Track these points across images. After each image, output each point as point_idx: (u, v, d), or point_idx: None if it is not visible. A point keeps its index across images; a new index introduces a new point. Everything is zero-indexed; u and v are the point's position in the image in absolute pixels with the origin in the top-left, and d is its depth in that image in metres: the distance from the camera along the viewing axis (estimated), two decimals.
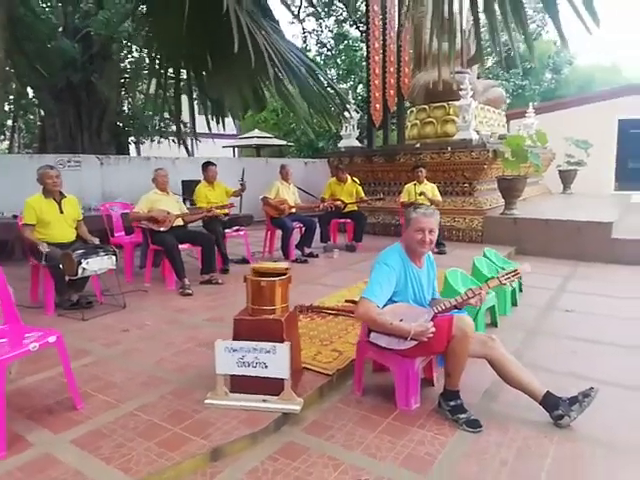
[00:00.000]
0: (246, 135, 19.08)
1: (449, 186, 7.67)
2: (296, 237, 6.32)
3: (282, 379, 2.38)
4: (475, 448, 2.20)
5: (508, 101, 22.46)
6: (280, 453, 2.16)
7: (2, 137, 20.01)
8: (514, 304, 4.37)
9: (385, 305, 2.44)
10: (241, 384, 2.47)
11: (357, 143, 9.04)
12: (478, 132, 7.80)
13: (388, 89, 8.52)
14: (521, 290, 4.78)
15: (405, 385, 2.53)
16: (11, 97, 12.32)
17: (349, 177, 7.01)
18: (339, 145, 9.07)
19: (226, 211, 5.81)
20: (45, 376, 2.75)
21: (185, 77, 5.16)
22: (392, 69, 8.56)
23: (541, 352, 3.34)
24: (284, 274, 2.58)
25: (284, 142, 18.09)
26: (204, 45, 5.15)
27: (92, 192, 7.40)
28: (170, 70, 5.01)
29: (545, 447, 2.19)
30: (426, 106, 9.22)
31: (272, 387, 2.42)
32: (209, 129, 4.75)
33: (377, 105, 8.37)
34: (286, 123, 20.04)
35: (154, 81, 4.76)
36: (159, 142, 16.07)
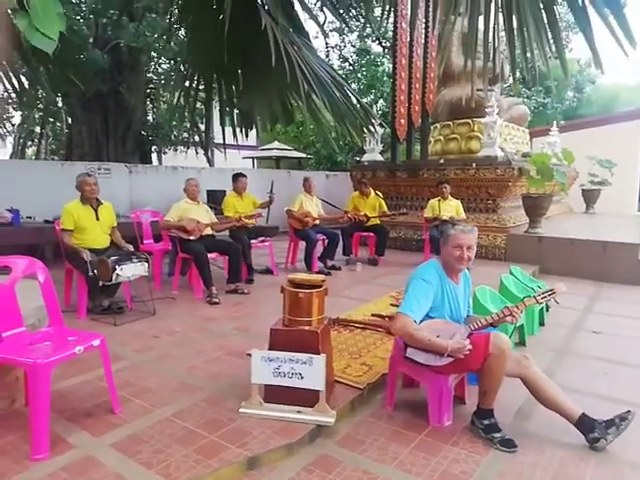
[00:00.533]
0: (266, 147, 19.32)
1: (472, 202, 7.66)
2: (319, 249, 6.36)
3: (317, 391, 2.41)
4: (510, 468, 2.18)
5: (530, 119, 22.48)
6: (315, 465, 2.17)
7: (30, 143, 20.55)
8: (541, 324, 4.34)
9: (422, 321, 2.45)
10: (275, 394, 2.49)
11: (380, 157, 9.09)
12: (503, 149, 7.80)
13: (413, 105, 8.57)
14: (548, 310, 4.73)
15: (438, 402, 2.53)
16: (40, 105, 12.67)
17: (372, 191, 7.05)
18: (363, 159, 9.13)
19: (253, 221, 5.89)
20: (83, 379, 2.81)
21: (216, 89, 5.31)
22: (417, 85, 8.62)
23: (570, 373, 3.30)
24: (320, 286, 2.61)
25: (304, 155, 18.24)
26: (237, 58, 5.28)
27: (121, 200, 7.56)
28: (198, 81, 5.15)
29: (582, 470, 2.17)
30: (450, 122, 9.26)
31: (306, 398, 2.44)
32: (236, 140, 4.86)
33: (402, 120, 8.42)
34: (306, 136, 20.22)
35: (180, 92, 4.89)
36: (181, 152, 16.38)
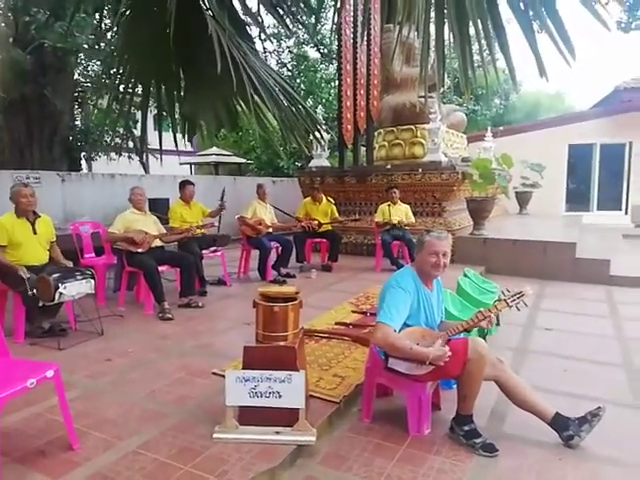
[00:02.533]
0: (204, 152, 18.83)
1: (419, 207, 7.83)
2: (272, 257, 6.22)
3: (296, 409, 2.30)
4: (495, 474, 2.19)
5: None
6: None
7: None
8: (497, 323, 4.46)
9: (400, 330, 2.41)
10: (251, 416, 2.36)
11: (327, 163, 9.10)
12: (446, 155, 8.04)
13: (359, 111, 8.65)
14: None
15: (417, 410, 2.50)
16: None
17: (324, 197, 7.02)
18: (310, 165, 9.09)
19: (204, 231, 5.65)
20: (31, 413, 2.52)
21: (153, 93, 5.07)
22: (362, 91, 8.71)
23: (531, 371, 3.39)
24: (294, 298, 2.51)
25: (244, 160, 17.97)
26: (178, 62, 5.06)
27: (54, 211, 6.96)
28: (134, 85, 4.89)
29: (563, 470, 2.21)
30: (394, 128, 9.43)
31: (284, 417, 2.32)
32: (176, 146, 4.66)
33: (348, 126, 8.47)
34: (246, 141, 19.94)
35: (112, 96, 4.62)
36: (112, 159, 15.57)
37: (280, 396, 2.29)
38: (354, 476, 2.16)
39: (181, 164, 19.41)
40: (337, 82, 8.53)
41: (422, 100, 8.98)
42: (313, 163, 9.00)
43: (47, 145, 11.48)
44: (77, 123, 14.29)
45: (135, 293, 4.91)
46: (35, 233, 3.89)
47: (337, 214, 7.01)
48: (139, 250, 4.52)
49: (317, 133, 5.38)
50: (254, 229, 5.98)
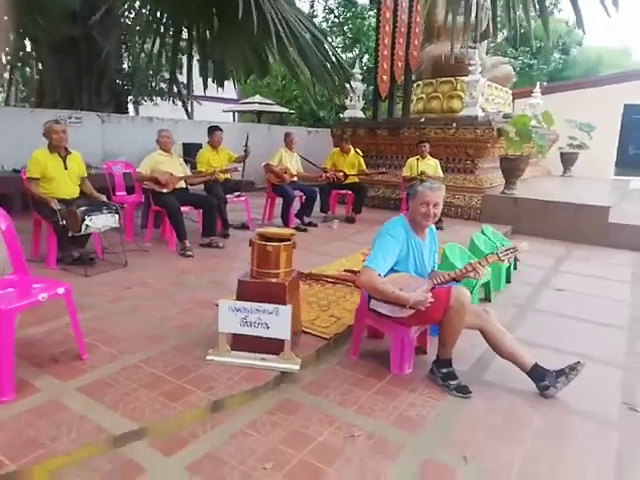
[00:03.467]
0: (247, 100, 18.79)
1: (451, 162, 7.67)
2: (296, 206, 6.34)
3: (283, 340, 2.47)
4: (463, 412, 2.30)
5: (515, 79, 22.25)
6: (278, 408, 2.26)
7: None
8: (508, 281, 4.46)
9: (387, 274, 2.50)
10: (242, 343, 2.55)
11: (361, 114, 8.96)
12: (484, 109, 7.75)
13: (396, 61, 8.38)
14: (515, 268, 4.87)
15: (400, 351, 2.62)
16: (7, 48, 12.00)
17: (352, 148, 6.98)
18: (343, 115, 8.99)
19: (228, 176, 5.81)
20: (50, 327, 2.81)
21: (187, 37, 5.10)
22: (401, 40, 8.40)
23: (530, 327, 3.44)
24: (289, 239, 2.63)
25: (286, 110, 17.83)
26: (210, 6, 5.07)
27: (92, 150, 7.34)
28: (174, 29, 4.91)
29: (531, 415, 2.30)
30: (433, 80, 9.12)
31: (272, 347, 2.50)
32: (217, 91, 4.71)
33: (384, 76, 8.25)
34: (289, 90, 19.72)
35: (156, 39, 4.70)
36: (156, 104, 15.85)
37: (268, 327, 2.46)
38: (330, 402, 2.33)
39: (224, 111, 19.51)
40: (375, 30, 8.23)
41: (463, 51, 8.57)
42: (346, 114, 8.89)
43: (95, 88, 11.77)
44: (124, 67, 14.55)
45: (161, 231, 5.18)
46: (66, 168, 4.14)
47: (364, 166, 6.98)
48: (164, 190, 4.74)
49: (347, 84, 5.34)
50: (279, 177, 6.09)
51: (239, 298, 2.56)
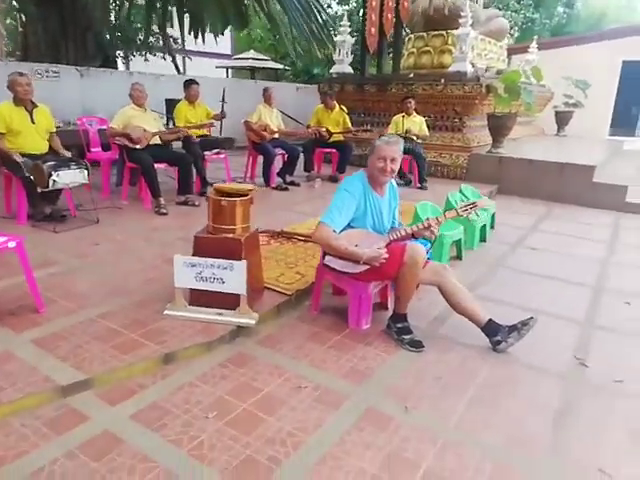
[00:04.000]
0: (241, 56, 18.23)
1: (439, 120, 7.52)
2: (279, 164, 6.26)
3: (239, 295, 2.48)
4: (414, 365, 2.34)
5: (516, 34, 21.53)
6: (230, 361, 2.29)
7: None
8: (483, 240, 4.46)
9: (344, 230, 2.49)
10: (200, 298, 2.56)
11: (350, 70, 8.70)
12: (473, 65, 7.53)
13: (386, 12, 8.07)
14: (492, 227, 4.86)
15: (357, 306, 2.64)
16: None
17: (337, 105, 6.82)
18: (331, 71, 8.73)
19: (205, 132, 5.70)
20: (11, 282, 2.81)
21: None
22: None
23: (495, 284, 3.46)
24: (246, 195, 2.60)
25: (280, 66, 17.34)
26: None
27: (71, 106, 7.16)
28: None
29: (479, 367, 2.34)
30: (424, 34, 8.81)
31: (229, 302, 2.51)
32: (216, 43, 4.53)
33: (372, 29, 7.97)
34: (283, 45, 19.09)
35: None
36: (146, 59, 15.38)
37: (223, 282, 2.46)
38: (283, 355, 2.36)
39: (217, 67, 18.98)
40: None
41: (456, 2, 8.25)
42: (334, 69, 8.62)
43: (81, 41, 11.34)
44: (112, 19, 13.99)
45: (137, 189, 5.13)
46: (33, 122, 4.05)
47: (350, 124, 6.83)
48: (137, 146, 4.66)
49: (326, 35, 5.14)
50: (258, 134, 5.97)
51: (195, 254, 2.56)
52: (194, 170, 5.23)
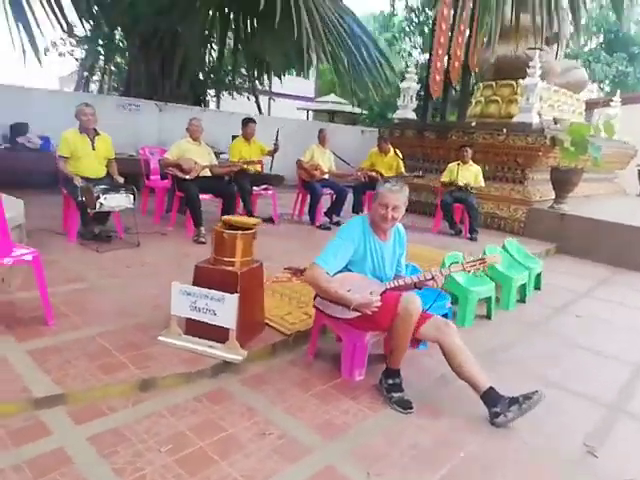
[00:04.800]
0: (321, 99, 18.98)
1: (500, 171, 7.25)
2: (327, 204, 6.31)
3: (228, 328, 2.47)
4: (395, 427, 2.18)
5: (607, 88, 20.48)
6: (207, 396, 2.26)
7: (95, 78, 21.21)
8: (522, 300, 4.14)
9: (340, 273, 2.42)
10: (195, 328, 2.58)
11: (413, 115, 8.71)
12: (540, 115, 7.24)
13: (453, 60, 8.06)
14: (538, 288, 4.52)
15: (351, 355, 2.53)
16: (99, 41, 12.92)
17: (392, 149, 6.83)
18: (394, 116, 8.79)
19: (258, 168, 5.91)
20: (34, 294, 2.96)
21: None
22: (460, 39, 8.06)
23: (521, 351, 3.17)
24: (250, 229, 2.63)
25: (358, 110, 17.75)
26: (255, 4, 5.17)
27: (149, 137, 7.78)
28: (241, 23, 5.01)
29: (467, 439, 2.12)
30: (493, 83, 8.64)
31: (221, 335, 2.51)
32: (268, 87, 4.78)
33: (437, 76, 7.96)
34: (364, 90, 19.57)
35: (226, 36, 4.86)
36: (234, 98, 16.43)
37: (215, 314, 2.47)
38: (262, 397, 2.30)
39: (298, 109, 19.86)
40: (431, 27, 7.95)
41: (530, 52, 8.05)
42: (397, 114, 8.68)
43: (176, 80, 12.32)
44: (206, 61, 15.16)
45: (186, 217, 5.37)
46: (93, 149, 4.42)
47: (403, 169, 6.79)
48: (186, 177, 4.92)
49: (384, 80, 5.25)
50: (309, 173, 6.09)
51: (195, 283, 2.60)
52: (241, 203, 5.40)
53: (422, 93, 9.73)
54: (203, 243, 4.69)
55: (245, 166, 5.46)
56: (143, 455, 1.82)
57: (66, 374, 2.19)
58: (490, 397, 2.27)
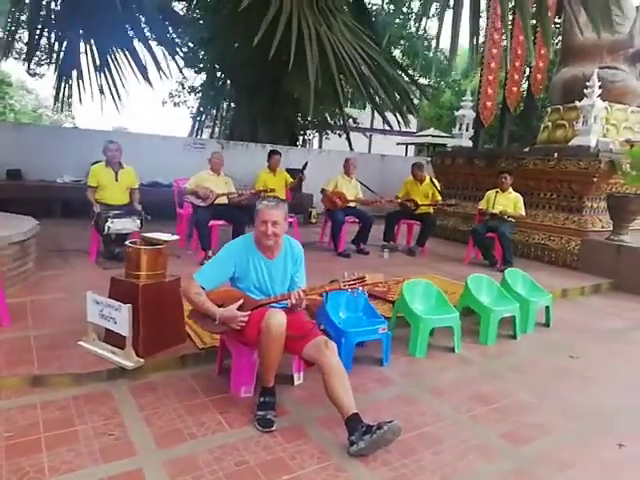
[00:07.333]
0: (421, 133, 18.96)
1: (553, 199, 6.59)
2: (347, 230, 6.27)
3: (124, 336, 2.63)
4: (233, 444, 2.11)
5: None
6: (87, 397, 2.42)
7: (207, 122, 23.54)
8: (514, 336, 3.70)
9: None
10: (108, 334, 2.79)
11: (469, 143, 8.34)
12: (603, 137, 6.48)
13: (510, 85, 7.62)
14: (549, 325, 4.01)
15: (238, 372, 2.53)
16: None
17: (427, 177, 6.62)
18: (448, 144, 8.51)
19: (282, 197, 6.12)
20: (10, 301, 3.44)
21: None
22: (518, 63, 7.62)
23: (495, 386, 2.85)
24: (158, 245, 2.80)
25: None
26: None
27: None
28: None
29: (297, 464, 1.99)
30: (561, 106, 7.96)
31: (123, 342, 2.67)
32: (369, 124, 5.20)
33: (488, 102, 7.56)
34: None
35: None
36: (327, 137, 17.15)
37: (115, 322, 2.66)
38: (133, 403, 2.39)
39: (398, 144, 20.04)
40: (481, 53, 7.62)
41: (602, 72, 7.31)
42: (452, 142, 8.38)
43: (273, 122, 13.16)
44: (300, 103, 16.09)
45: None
46: (117, 180, 5.01)
47: (439, 197, 6.53)
48: (201, 204, 5.30)
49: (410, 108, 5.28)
50: (331, 201, 6.15)
51: (109, 293, 2.82)
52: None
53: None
54: None
55: (259, 192, 5.68)
56: None
57: None
58: (351, 423, 2.11)
